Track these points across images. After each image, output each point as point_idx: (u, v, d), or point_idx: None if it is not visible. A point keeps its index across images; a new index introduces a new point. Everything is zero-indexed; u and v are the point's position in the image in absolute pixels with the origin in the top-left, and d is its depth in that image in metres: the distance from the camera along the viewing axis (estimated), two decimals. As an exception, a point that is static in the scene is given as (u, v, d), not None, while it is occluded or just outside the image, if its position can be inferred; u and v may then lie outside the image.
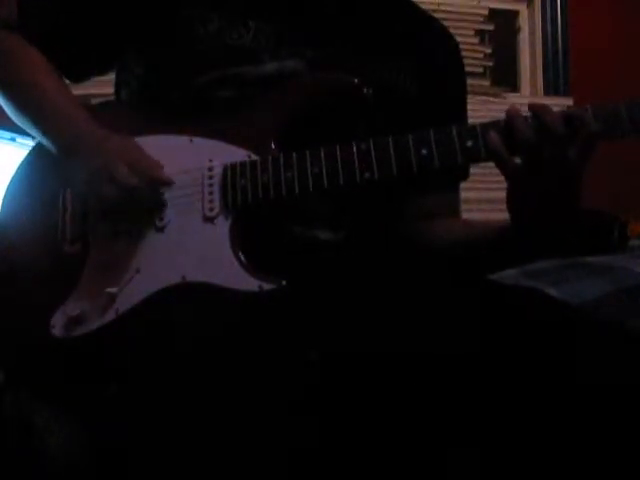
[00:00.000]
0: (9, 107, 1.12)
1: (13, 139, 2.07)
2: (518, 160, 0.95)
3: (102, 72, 1.21)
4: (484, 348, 0.88)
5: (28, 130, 1.11)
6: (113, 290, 0.99)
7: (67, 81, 1.18)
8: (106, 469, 0.92)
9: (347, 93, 1.04)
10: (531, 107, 0.94)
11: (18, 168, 1.14)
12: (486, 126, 0.95)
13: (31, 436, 1.01)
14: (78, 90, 1.27)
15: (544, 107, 0.93)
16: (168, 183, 1.01)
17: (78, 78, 1.19)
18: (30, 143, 1.19)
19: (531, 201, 0.97)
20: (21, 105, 1.11)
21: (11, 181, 1.13)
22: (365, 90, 1.02)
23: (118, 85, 1.20)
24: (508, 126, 0.94)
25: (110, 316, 0.98)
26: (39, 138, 1.10)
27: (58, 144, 1.07)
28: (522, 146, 0.93)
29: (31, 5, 1.14)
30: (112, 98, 1.23)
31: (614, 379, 0.83)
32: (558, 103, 2.97)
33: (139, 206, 1.00)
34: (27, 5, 1.15)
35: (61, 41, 1.13)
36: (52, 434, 1.01)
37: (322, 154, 0.98)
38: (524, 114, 0.94)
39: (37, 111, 1.10)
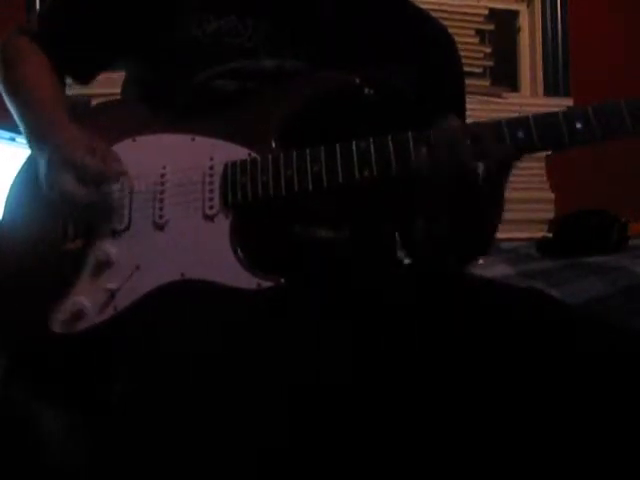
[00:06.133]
0: (10, 105, 1.15)
1: (13, 139, 2.07)
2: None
3: (107, 70, 1.23)
4: (484, 349, 0.88)
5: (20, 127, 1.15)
6: (112, 286, 0.99)
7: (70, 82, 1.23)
8: (100, 464, 0.92)
9: (348, 92, 1.04)
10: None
11: (21, 169, 1.16)
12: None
13: (26, 430, 1.02)
14: (79, 90, 1.28)
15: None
16: (122, 172, 1.03)
17: (85, 80, 1.23)
18: (30, 143, 1.21)
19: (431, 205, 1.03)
20: (16, 103, 1.14)
21: (14, 180, 1.15)
22: (366, 90, 1.03)
23: (124, 85, 1.22)
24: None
25: (109, 312, 0.99)
26: (25, 136, 1.13)
27: (35, 146, 1.10)
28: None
29: (47, 16, 1.21)
30: (112, 98, 1.24)
31: (614, 379, 0.83)
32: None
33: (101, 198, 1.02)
34: (44, 16, 1.22)
35: (70, 46, 1.17)
36: (48, 429, 1.01)
37: (322, 152, 0.98)
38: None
39: (29, 114, 1.13)
